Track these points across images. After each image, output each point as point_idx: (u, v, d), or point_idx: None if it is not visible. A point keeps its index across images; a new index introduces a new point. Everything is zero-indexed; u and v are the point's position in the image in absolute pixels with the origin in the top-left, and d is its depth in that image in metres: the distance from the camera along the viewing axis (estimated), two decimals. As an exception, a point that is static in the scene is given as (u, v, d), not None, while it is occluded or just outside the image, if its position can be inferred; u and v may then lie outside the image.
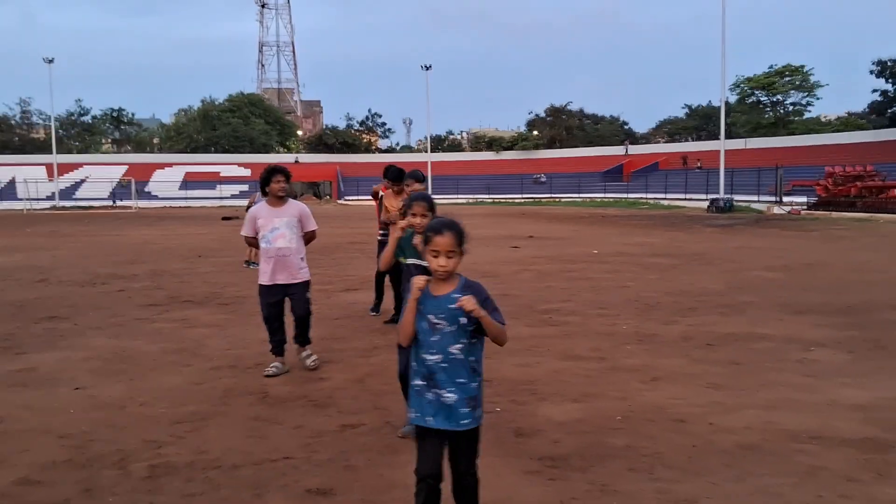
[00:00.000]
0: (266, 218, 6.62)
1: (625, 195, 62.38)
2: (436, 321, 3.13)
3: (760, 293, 11.03)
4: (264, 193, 6.76)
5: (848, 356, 6.98)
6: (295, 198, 7.15)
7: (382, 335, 8.18)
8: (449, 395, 3.11)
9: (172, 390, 6.02)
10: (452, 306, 3.08)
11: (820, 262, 15.26)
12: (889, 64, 63.69)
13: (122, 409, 5.53)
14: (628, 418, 5.16)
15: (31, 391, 6.10)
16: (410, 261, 4.60)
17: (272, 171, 6.64)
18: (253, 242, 6.80)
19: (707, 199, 45.26)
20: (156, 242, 23.41)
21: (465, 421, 3.13)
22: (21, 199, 64.20)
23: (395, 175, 8.58)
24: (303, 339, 6.87)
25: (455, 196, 66.29)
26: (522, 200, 65.70)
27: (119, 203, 64.22)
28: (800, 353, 7.12)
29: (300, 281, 6.69)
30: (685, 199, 52.70)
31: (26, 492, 4.02)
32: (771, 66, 69.01)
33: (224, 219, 37.43)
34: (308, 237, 6.84)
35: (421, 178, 6.93)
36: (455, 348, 3.13)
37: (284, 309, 6.75)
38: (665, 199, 55.06)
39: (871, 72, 64.81)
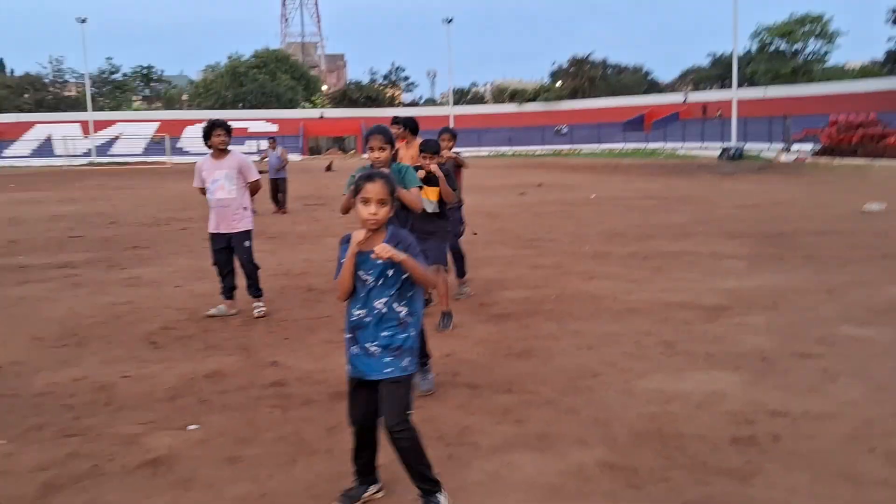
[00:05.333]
0: (208, 171, 6.96)
1: (645, 145, 63.77)
2: (364, 276, 3.12)
3: (715, 224, 13.19)
4: (208, 147, 6.99)
5: (747, 264, 9.19)
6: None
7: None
8: (373, 347, 3.13)
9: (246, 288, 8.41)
10: (378, 261, 3.05)
11: (786, 201, 17.32)
12: (903, 12, 63.76)
13: (213, 296, 7.91)
14: (560, 297, 7.51)
15: (143, 289, 8.55)
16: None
17: (212, 126, 6.87)
18: (204, 193, 7.13)
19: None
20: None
21: (388, 370, 3.12)
22: (59, 156, 67.13)
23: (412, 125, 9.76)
24: (253, 290, 7.12)
25: (477, 148, 68.08)
26: (543, 152, 67.35)
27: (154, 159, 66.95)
28: (712, 262, 9.36)
29: (240, 230, 6.97)
30: (701, 149, 54.11)
31: (168, 332, 6.47)
32: (791, 15, 69.56)
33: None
34: (252, 188, 7.12)
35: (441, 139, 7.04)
36: (380, 302, 3.12)
37: (232, 258, 7.10)
38: (682, 148, 56.58)
39: (887, 20, 65.01)
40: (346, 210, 4.45)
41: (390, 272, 3.10)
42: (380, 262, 3.04)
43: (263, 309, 7.07)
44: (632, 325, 6.35)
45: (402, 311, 3.16)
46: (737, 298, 7.25)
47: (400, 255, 3.00)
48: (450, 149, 7.29)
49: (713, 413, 4.31)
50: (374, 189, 3.07)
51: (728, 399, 4.52)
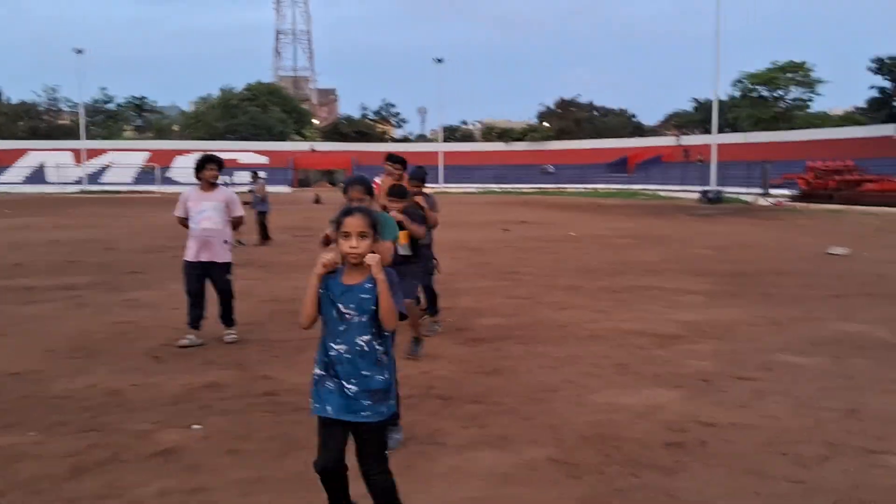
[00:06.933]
0: (195, 201, 7.23)
1: (627, 186, 65.01)
2: (345, 311, 3.09)
3: (684, 263, 13.93)
4: (198, 179, 7.29)
5: (704, 299, 9.90)
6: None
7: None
8: (351, 386, 3.08)
9: (240, 311, 8.97)
10: (364, 296, 3.08)
11: (756, 244, 18.12)
12: (887, 62, 65.94)
13: (209, 318, 8.53)
14: (531, 325, 8.18)
15: (142, 310, 9.15)
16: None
17: (206, 160, 7.24)
18: (183, 223, 7.33)
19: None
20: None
21: (365, 413, 3.08)
22: (51, 183, 67.66)
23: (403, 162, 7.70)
24: (226, 319, 7.47)
25: (466, 185, 69.12)
26: (530, 190, 68.39)
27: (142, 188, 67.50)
28: (674, 296, 10.06)
29: (221, 262, 7.30)
30: (682, 191, 55.29)
31: (168, 348, 7.10)
32: (773, 62, 71.52)
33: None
34: (235, 222, 7.44)
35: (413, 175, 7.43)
36: (362, 339, 3.09)
37: (205, 286, 7.34)
38: (664, 190, 57.77)
39: (870, 69, 67.11)
40: (327, 242, 4.36)
41: (373, 307, 3.09)
42: (365, 295, 3.07)
43: (235, 336, 7.42)
44: (592, 349, 7.02)
45: (380, 349, 3.15)
46: (690, 329, 7.94)
47: (381, 275, 3.06)
48: (399, 178, 7.12)
49: (651, 422, 4.97)
50: (353, 223, 3.11)
51: (666, 411, 5.18)
